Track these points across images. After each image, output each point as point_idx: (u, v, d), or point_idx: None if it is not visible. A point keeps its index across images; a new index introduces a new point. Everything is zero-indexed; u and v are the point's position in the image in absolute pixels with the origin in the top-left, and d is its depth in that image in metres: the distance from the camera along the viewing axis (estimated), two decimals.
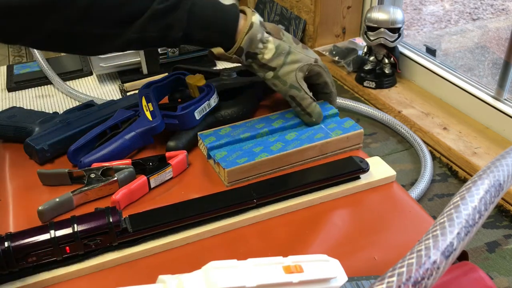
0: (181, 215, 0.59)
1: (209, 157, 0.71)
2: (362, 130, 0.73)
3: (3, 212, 0.64)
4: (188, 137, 0.74)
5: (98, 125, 0.75)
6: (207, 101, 0.75)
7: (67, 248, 0.53)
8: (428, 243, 0.31)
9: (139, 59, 1.26)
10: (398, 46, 2.10)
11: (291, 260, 0.42)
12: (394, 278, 0.29)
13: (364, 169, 0.66)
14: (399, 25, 2.01)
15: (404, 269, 0.29)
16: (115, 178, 0.65)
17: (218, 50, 0.71)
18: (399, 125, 1.84)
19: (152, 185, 0.67)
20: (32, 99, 1.21)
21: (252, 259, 0.41)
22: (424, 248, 0.30)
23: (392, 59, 2.09)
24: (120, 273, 0.55)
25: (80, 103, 0.95)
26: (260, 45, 0.69)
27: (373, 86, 2.08)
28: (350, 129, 0.73)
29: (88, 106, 0.83)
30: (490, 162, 0.37)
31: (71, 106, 1.03)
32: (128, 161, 0.68)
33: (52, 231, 0.52)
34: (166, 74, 0.86)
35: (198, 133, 0.73)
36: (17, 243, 0.51)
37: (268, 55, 0.70)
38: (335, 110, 0.77)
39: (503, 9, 3.00)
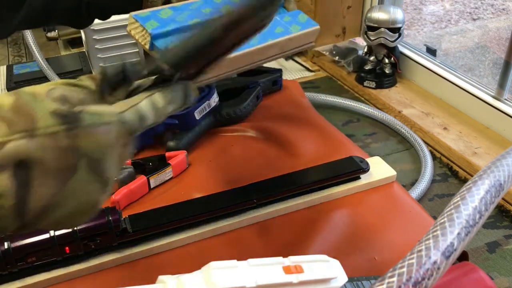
0: (181, 215, 0.58)
1: (152, 47, 0.56)
2: (318, 26, 0.69)
3: None
4: (188, 137, 0.74)
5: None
6: (207, 101, 0.75)
7: (67, 248, 0.53)
8: (429, 243, 0.30)
9: (139, 58, 1.27)
10: (399, 46, 2.10)
11: (291, 260, 0.42)
12: (395, 279, 0.29)
13: (364, 169, 0.66)
14: (399, 25, 2.01)
15: (405, 269, 0.29)
16: (115, 178, 0.65)
17: None
18: (400, 125, 1.84)
19: (152, 185, 0.67)
20: None
21: (252, 259, 0.41)
22: (425, 248, 0.30)
23: (392, 59, 2.09)
24: (119, 274, 0.55)
25: None
26: None
27: (373, 86, 2.08)
28: (306, 24, 0.68)
29: None
30: (491, 162, 0.37)
31: None
32: (128, 161, 0.68)
33: (51, 231, 0.52)
34: None
35: (132, 13, 0.58)
36: (16, 243, 0.51)
37: None
38: None
39: (503, 9, 3.00)
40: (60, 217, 0.34)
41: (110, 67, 0.39)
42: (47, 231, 0.52)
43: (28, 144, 0.31)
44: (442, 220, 0.32)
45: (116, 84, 0.39)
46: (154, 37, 0.55)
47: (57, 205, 0.33)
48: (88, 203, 0.35)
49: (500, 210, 1.51)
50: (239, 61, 0.61)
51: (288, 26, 0.66)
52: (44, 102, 0.33)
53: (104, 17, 0.68)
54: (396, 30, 2.01)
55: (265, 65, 0.77)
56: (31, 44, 2.04)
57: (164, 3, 0.64)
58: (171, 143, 0.73)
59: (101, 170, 0.35)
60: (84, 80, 0.37)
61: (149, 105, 0.38)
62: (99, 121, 0.34)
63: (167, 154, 0.70)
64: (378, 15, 2.01)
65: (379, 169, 0.69)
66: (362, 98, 2.11)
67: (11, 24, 0.61)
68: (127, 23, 0.58)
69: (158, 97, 0.39)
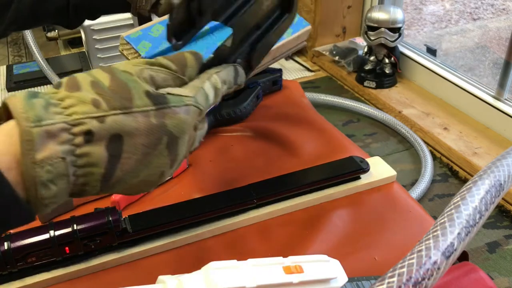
0: (181, 215, 0.58)
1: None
2: (310, 26, 0.67)
3: None
4: None
5: None
6: None
7: (67, 248, 0.53)
8: (429, 243, 0.30)
9: None
10: (399, 46, 2.10)
11: (291, 260, 0.42)
12: (395, 279, 0.29)
13: (365, 169, 0.66)
14: (399, 25, 2.01)
15: (405, 269, 0.29)
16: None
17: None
18: (400, 125, 1.84)
19: None
20: None
21: (252, 259, 0.41)
22: (425, 248, 0.30)
23: (392, 59, 2.09)
24: (120, 274, 0.55)
25: None
26: None
27: (374, 86, 2.08)
28: (298, 25, 0.66)
29: None
30: (491, 162, 0.37)
31: None
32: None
33: (51, 232, 0.52)
34: None
35: (123, 35, 0.57)
36: (16, 243, 0.51)
37: None
38: None
39: (503, 9, 3.00)
40: (131, 185, 0.38)
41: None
42: (46, 231, 0.52)
43: (124, 120, 0.35)
44: (442, 220, 0.32)
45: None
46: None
47: (134, 174, 0.37)
48: (156, 175, 0.39)
49: (500, 210, 1.51)
50: None
51: None
52: (138, 83, 0.37)
53: (93, 17, 0.69)
54: (396, 30, 2.01)
55: None
56: (31, 44, 2.04)
57: (152, 6, 0.64)
58: None
59: (175, 148, 0.39)
60: (161, 60, 0.40)
61: (210, 86, 0.41)
62: (181, 102, 0.38)
63: None
64: (378, 15, 2.01)
65: (379, 169, 0.69)
66: (362, 98, 2.11)
67: (0, 26, 0.62)
68: (127, 22, 0.58)
69: (216, 79, 0.42)
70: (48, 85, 1.30)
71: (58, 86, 0.35)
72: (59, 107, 0.33)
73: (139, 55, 0.55)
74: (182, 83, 0.40)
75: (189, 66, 0.41)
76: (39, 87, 1.29)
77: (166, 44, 0.55)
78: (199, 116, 0.40)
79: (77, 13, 0.65)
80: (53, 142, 0.32)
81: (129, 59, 0.56)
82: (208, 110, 0.79)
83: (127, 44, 0.56)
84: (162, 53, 0.54)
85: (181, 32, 0.44)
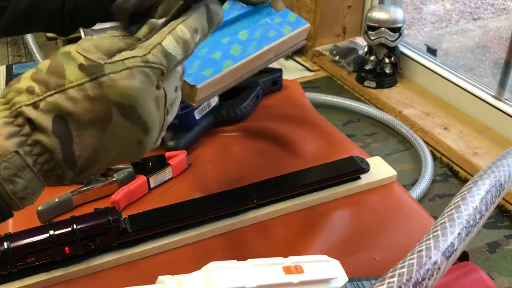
0: (181, 215, 0.58)
1: None
2: (308, 24, 0.68)
3: None
4: (188, 137, 0.74)
5: None
6: (207, 101, 0.75)
7: (67, 248, 0.53)
8: (429, 243, 0.30)
9: None
10: (399, 45, 2.10)
11: (291, 260, 0.41)
12: (395, 279, 0.29)
13: (365, 169, 0.66)
14: (399, 25, 2.00)
15: (405, 269, 0.29)
16: (115, 178, 0.65)
17: None
18: (400, 125, 1.84)
19: (152, 185, 0.67)
20: None
21: (252, 259, 0.41)
22: (425, 248, 0.30)
23: (392, 58, 2.09)
24: (119, 274, 0.55)
25: None
26: None
27: (374, 86, 2.08)
28: (297, 23, 0.67)
29: None
30: (491, 162, 0.37)
31: None
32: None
33: (51, 232, 0.52)
34: None
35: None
36: (16, 243, 0.51)
37: None
38: None
39: (503, 9, 3.00)
40: (110, 159, 0.38)
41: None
42: (46, 232, 0.52)
43: (59, 99, 0.34)
44: (443, 220, 0.32)
45: (140, 18, 0.41)
46: None
47: (103, 150, 0.36)
48: (132, 144, 0.38)
49: (501, 210, 1.50)
50: (240, 71, 0.61)
51: (279, 28, 0.66)
52: (73, 58, 0.35)
53: (88, 25, 0.68)
54: (397, 30, 2.01)
55: None
56: (31, 44, 2.04)
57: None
58: (171, 143, 0.73)
59: (136, 116, 0.37)
60: (118, 29, 0.39)
61: (173, 40, 0.38)
62: (120, 67, 0.36)
63: (167, 154, 0.70)
64: (379, 14, 2.01)
65: (380, 169, 0.69)
66: (363, 98, 2.11)
67: None
68: None
69: (182, 30, 0.38)
70: None
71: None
72: (1, 104, 0.34)
73: None
74: (133, 43, 0.38)
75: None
76: None
77: None
78: (159, 76, 0.38)
79: (72, 20, 0.64)
80: (1, 139, 0.33)
81: None
82: (209, 110, 0.78)
83: None
84: None
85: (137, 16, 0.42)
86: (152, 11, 0.42)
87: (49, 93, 0.34)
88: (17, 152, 0.33)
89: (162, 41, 0.38)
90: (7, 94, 0.34)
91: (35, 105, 0.33)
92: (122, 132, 0.37)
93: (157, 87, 0.38)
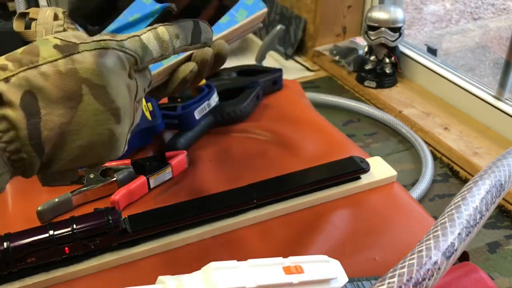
0: (181, 215, 0.58)
1: None
2: (266, 9, 0.62)
3: (3, 212, 0.64)
4: (188, 137, 0.74)
5: None
6: (207, 101, 0.75)
7: (66, 248, 0.53)
8: (429, 243, 0.30)
9: None
10: (399, 45, 2.10)
11: (291, 260, 0.41)
12: (395, 279, 0.29)
13: (365, 169, 0.66)
14: (399, 25, 2.00)
15: (405, 269, 0.29)
16: (115, 178, 0.65)
17: None
18: (400, 125, 1.84)
19: (152, 185, 0.67)
20: None
21: (252, 259, 0.41)
22: (425, 248, 0.30)
23: (392, 58, 2.09)
24: (119, 274, 0.55)
25: None
26: None
27: (374, 86, 2.08)
28: (253, 7, 0.61)
29: None
30: (491, 162, 0.37)
31: None
32: (128, 161, 0.68)
33: (51, 232, 0.52)
34: None
35: None
36: (16, 243, 0.51)
37: None
38: None
39: (504, 9, 3.00)
40: (80, 149, 0.36)
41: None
42: (46, 232, 0.52)
43: (31, 74, 0.34)
44: (443, 220, 0.32)
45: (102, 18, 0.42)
46: None
47: (71, 134, 0.36)
48: (103, 134, 0.37)
49: (501, 210, 1.50)
50: (187, 60, 0.54)
51: (234, 13, 0.60)
52: (49, 40, 0.36)
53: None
54: (397, 30, 2.00)
55: (265, 64, 0.77)
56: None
57: None
58: (171, 143, 0.73)
59: (107, 99, 0.36)
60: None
61: (152, 36, 0.39)
62: (94, 46, 0.36)
63: (167, 154, 0.70)
64: (379, 14, 2.01)
65: (380, 169, 0.69)
66: (363, 98, 2.11)
67: None
68: None
69: (162, 30, 0.40)
70: None
71: None
72: None
73: None
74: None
75: None
76: None
77: (113, 26, 0.53)
78: (132, 64, 0.38)
79: None
80: None
81: None
82: (209, 110, 0.78)
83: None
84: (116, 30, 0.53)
85: (99, 15, 0.42)
86: (115, 13, 0.43)
87: (21, 69, 0.34)
88: None
89: (141, 34, 0.39)
90: None
91: (6, 80, 0.34)
92: (92, 116, 0.36)
93: (129, 76, 0.38)
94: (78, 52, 0.35)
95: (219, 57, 0.51)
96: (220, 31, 0.58)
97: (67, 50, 0.35)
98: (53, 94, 0.34)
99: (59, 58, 0.35)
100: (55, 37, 0.36)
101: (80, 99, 0.35)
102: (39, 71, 0.34)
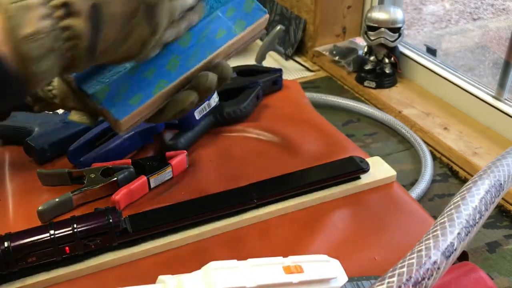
0: (181, 215, 0.58)
1: (80, 89, 0.49)
2: (267, 15, 0.56)
3: (3, 212, 0.64)
4: (188, 137, 0.74)
5: (98, 125, 0.74)
6: (207, 101, 0.75)
7: (67, 248, 0.53)
8: (429, 243, 0.30)
9: None
10: (399, 46, 2.10)
11: (291, 260, 0.42)
12: (395, 278, 0.29)
13: (365, 169, 0.66)
14: (399, 25, 2.01)
15: (405, 269, 0.29)
16: (115, 178, 0.65)
17: None
18: (400, 125, 1.84)
19: (152, 185, 0.67)
20: None
21: (252, 259, 0.41)
22: (425, 248, 0.30)
23: (392, 59, 2.09)
24: (120, 274, 0.55)
25: None
26: None
27: (374, 86, 2.08)
28: (254, 15, 0.54)
29: None
30: (491, 162, 0.37)
31: None
32: (128, 161, 0.68)
33: (51, 231, 0.52)
34: None
35: None
36: (16, 243, 0.51)
37: None
38: None
39: (503, 9, 3.00)
40: (115, 56, 0.41)
41: None
42: (46, 231, 0.52)
43: None
44: (442, 220, 0.32)
45: None
46: (78, 80, 0.49)
47: (117, 45, 0.39)
48: (137, 45, 0.41)
49: (500, 210, 1.51)
50: (176, 88, 0.51)
51: (231, 25, 0.53)
52: None
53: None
54: (396, 30, 2.01)
55: (266, 64, 0.77)
56: None
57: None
58: (171, 143, 0.73)
59: (154, 16, 0.40)
60: None
61: None
62: None
63: (167, 154, 0.70)
64: (378, 15, 2.01)
65: (379, 169, 0.69)
66: (362, 98, 2.11)
67: None
68: None
69: None
70: None
71: None
72: None
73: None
74: None
75: None
76: None
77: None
78: None
79: None
80: (34, 18, 0.34)
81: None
82: (209, 110, 0.79)
83: None
84: (94, 73, 0.50)
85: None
86: None
87: None
88: (48, 33, 0.34)
89: None
90: None
91: None
92: (137, 30, 0.39)
93: None
94: None
95: (221, 81, 0.50)
96: (214, 50, 0.52)
97: None
98: (116, 10, 0.37)
99: None
100: None
101: (133, 17, 0.38)
102: None
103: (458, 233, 0.31)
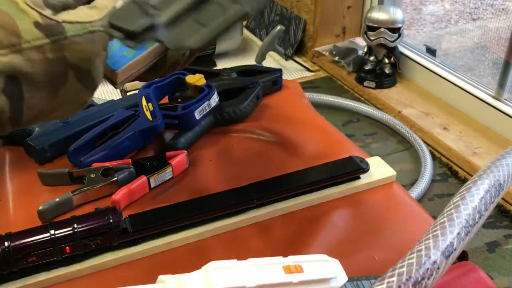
0: (181, 215, 0.59)
1: None
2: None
3: (3, 212, 0.64)
4: (188, 137, 0.74)
5: (98, 125, 0.75)
6: (207, 101, 0.75)
7: (67, 248, 0.53)
8: (428, 243, 0.31)
9: None
10: (398, 46, 2.10)
11: (291, 260, 0.42)
12: (394, 278, 0.29)
13: (364, 169, 0.66)
14: (399, 25, 2.01)
15: (404, 269, 0.29)
16: (115, 178, 0.65)
17: None
18: (399, 125, 1.84)
19: (152, 185, 0.67)
20: None
21: (252, 259, 0.41)
22: (424, 248, 0.30)
23: (392, 59, 2.09)
24: (120, 273, 0.55)
25: None
26: None
27: (373, 86, 2.08)
28: None
29: (88, 106, 0.83)
30: (490, 162, 0.37)
31: None
32: (128, 161, 0.68)
33: (52, 231, 0.52)
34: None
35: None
36: (17, 243, 0.51)
37: None
38: None
39: (503, 9, 3.00)
40: (52, 118, 0.38)
41: None
42: (47, 231, 0.52)
43: (15, 59, 0.32)
44: (442, 220, 0.32)
45: None
46: None
47: (50, 111, 0.36)
48: (78, 107, 0.38)
49: (500, 210, 1.51)
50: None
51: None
52: (25, 12, 0.32)
53: None
54: (396, 30, 2.01)
55: (265, 65, 0.77)
56: None
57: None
58: (171, 143, 0.73)
59: (90, 80, 0.36)
60: None
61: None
62: (82, 30, 0.34)
63: (167, 154, 0.70)
64: (378, 15, 2.01)
65: (379, 169, 0.69)
66: (362, 98, 2.11)
67: None
68: None
69: None
70: None
71: None
72: None
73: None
74: (87, 1, 0.36)
75: None
76: None
77: None
78: (108, 40, 0.37)
79: None
80: None
81: None
82: (209, 110, 0.78)
83: None
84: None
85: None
86: None
87: (3, 51, 0.32)
88: None
89: (116, 3, 0.36)
90: None
91: None
92: (73, 95, 0.36)
93: (105, 49, 0.37)
94: (66, 38, 0.33)
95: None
96: (125, 62, 0.53)
97: (53, 33, 0.33)
98: (38, 79, 0.33)
99: (46, 44, 0.33)
100: (27, 4, 0.33)
101: (64, 83, 0.35)
102: (24, 57, 0.32)
103: (458, 233, 0.31)
